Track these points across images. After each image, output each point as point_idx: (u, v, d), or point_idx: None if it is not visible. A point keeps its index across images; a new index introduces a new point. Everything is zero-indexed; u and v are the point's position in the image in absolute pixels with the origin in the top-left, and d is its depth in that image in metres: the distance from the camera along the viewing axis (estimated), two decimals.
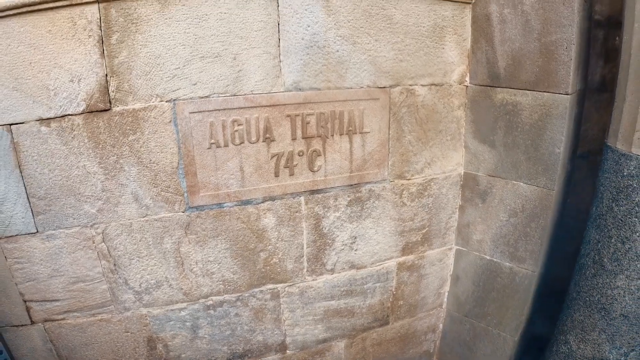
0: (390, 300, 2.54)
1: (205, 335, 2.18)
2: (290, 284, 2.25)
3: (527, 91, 2.11)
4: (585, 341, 2.21)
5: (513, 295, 2.43)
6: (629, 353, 2.10)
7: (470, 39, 2.21)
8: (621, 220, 1.91)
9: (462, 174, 2.42)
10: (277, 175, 2.00)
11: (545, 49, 1.99)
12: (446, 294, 2.70)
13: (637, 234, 1.86)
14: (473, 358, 2.77)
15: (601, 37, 2.30)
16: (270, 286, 2.22)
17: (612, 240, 1.97)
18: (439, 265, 2.58)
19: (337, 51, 1.91)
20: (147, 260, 1.94)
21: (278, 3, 1.77)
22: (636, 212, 1.84)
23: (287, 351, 2.42)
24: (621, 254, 1.94)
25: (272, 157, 1.96)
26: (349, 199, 2.18)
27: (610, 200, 1.96)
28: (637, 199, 1.83)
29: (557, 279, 2.41)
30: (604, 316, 2.09)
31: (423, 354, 2.90)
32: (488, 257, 2.45)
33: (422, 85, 2.17)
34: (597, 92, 2.38)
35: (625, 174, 1.86)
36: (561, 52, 1.96)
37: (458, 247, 2.55)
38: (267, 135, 1.91)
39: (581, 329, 2.21)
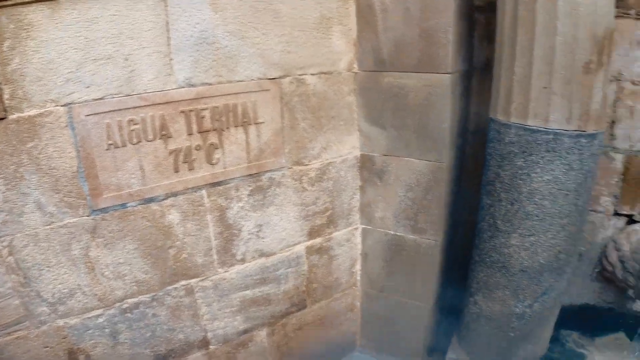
0: (305, 284, 2.86)
1: (126, 340, 2.33)
2: (203, 278, 2.48)
3: (411, 74, 2.51)
4: (492, 299, 2.62)
5: (420, 266, 2.85)
6: (533, 304, 2.53)
7: (356, 29, 2.59)
8: (508, 184, 2.33)
9: (359, 156, 2.80)
10: (177, 171, 2.22)
11: (425, 34, 2.40)
12: (359, 272, 3.07)
13: (523, 194, 2.29)
14: (393, 331, 3.18)
15: (483, 20, 2.74)
16: (184, 282, 2.42)
17: (503, 203, 2.39)
18: (347, 246, 2.94)
19: (226, 46, 2.19)
20: (57, 269, 2.05)
21: (166, 3, 1.98)
22: (520, 175, 2.27)
23: (210, 346, 2.64)
24: (512, 215, 2.36)
25: (171, 153, 2.18)
26: (250, 188, 2.46)
27: (497, 167, 2.38)
28: (518, 163, 2.26)
29: (462, 245, 2.82)
30: (504, 274, 2.51)
31: (345, 334, 3.27)
32: (392, 232, 2.85)
33: (311, 74, 2.50)
34: (483, 72, 2.82)
35: (506, 141, 2.28)
36: (440, 35, 2.37)
37: (363, 226, 2.93)
38: (164, 132, 2.13)
39: (487, 289, 2.63)
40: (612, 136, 2.88)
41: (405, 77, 2.53)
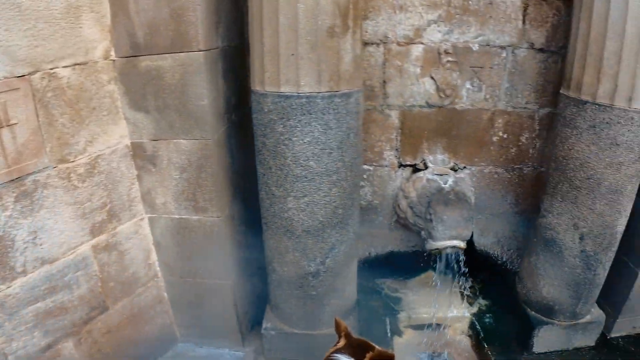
0: (99, 284, 2.93)
1: None
2: None
3: (166, 55, 2.70)
4: (286, 263, 2.96)
5: (211, 245, 3.11)
6: (325, 261, 2.90)
7: (110, 14, 2.68)
8: (274, 151, 2.63)
9: (129, 144, 2.94)
10: None
11: (175, 14, 2.57)
12: (156, 263, 3.24)
13: (289, 159, 2.61)
14: (206, 315, 3.42)
15: None
16: None
17: (273, 170, 2.69)
18: (137, 238, 3.09)
19: None
20: None
21: None
22: (282, 141, 2.57)
23: None
24: (283, 180, 2.68)
25: None
26: (14, 195, 2.43)
27: (262, 136, 2.68)
28: (279, 130, 2.56)
29: (256, 217, 3.08)
30: (290, 237, 2.84)
31: (162, 327, 3.42)
32: (177, 216, 3.06)
33: (64, 67, 2.55)
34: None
35: (266, 110, 2.56)
36: (189, 14, 2.56)
37: (149, 215, 3.09)
38: None
39: (279, 254, 2.95)
40: (385, 95, 3.42)
41: (161, 59, 2.70)
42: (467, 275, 3.87)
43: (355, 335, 1.87)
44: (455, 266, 3.34)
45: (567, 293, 3.24)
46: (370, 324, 3.54)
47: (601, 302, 3.62)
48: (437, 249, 3.20)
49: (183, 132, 2.83)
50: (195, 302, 3.33)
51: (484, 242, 3.91)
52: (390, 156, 3.57)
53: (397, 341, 3.59)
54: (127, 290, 3.12)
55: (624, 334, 3.70)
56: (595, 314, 3.48)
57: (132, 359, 3.23)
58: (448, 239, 3.17)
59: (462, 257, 3.31)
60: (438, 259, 3.30)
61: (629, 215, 3.02)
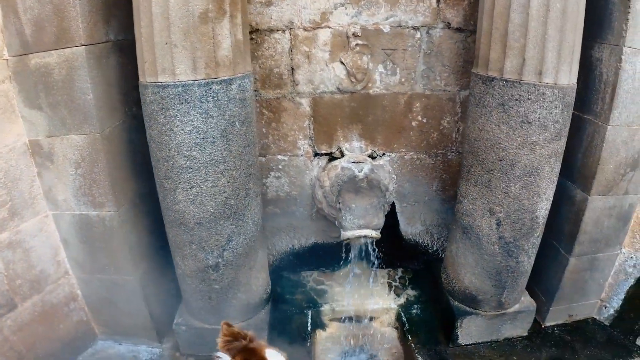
0: (6, 282, 2.99)
1: None
2: None
3: (52, 51, 2.73)
4: (186, 257, 2.97)
5: (113, 240, 3.13)
6: (222, 254, 2.90)
7: (1, 14, 2.73)
8: (159, 142, 2.65)
9: (27, 142, 2.99)
10: None
11: (58, 10, 2.59)
12: (66, 260, 3.29)
13: (173, 149, 2.61)
14: (119, 311, 3.43)
15: None
16: None
17: (161, 162, 2.71)
18: (42, 235, 3.14)
19: None
20: None
21: None
22: (165, 131, 2.58)
23: None
24: (170, 172, 2.69)
25: None
26: None
27: (148, 128, 2.69)
28: (161, 120, 2.57)
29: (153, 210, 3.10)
30: (185, 230, 2.86)
31: (79, 325, 3.45)
32: (78, 212, 3.10)
33: None
34: None
35: (148, 101, 2.58)
36: (70, 9, 2.58)
37: (53, 212, 3.15)
38: None
39: (178, 247, 2.99)
40: (295, 82, 3.40)
41: (48, 55, 2.74)
42: (398, 265, 3.83)
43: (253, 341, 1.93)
44: (372, 256, 3.28)
45: (489, 282, 3.18)
46: (291, 318, 3.52)
47: (535, 289, 3.52)
48: (348, 239, 3.15)
49: (74, 127, 2.87)
50: (108, 299, 3.38)
51: (411, 231, 3.86)
52: (304, 145, 3.54)
53: (321, 335, 3.58)
54: (37, 287, 3.17)
55: (559, 322, 3.63)
56: (525, 302, 3.41)
57: (50, 357, 3.27)
58: (358, 229, 3.13)
59: (374, 247, 3.25)
60: (352, 250, 3.25)
61: (551, 198, 2.93)
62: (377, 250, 3.33)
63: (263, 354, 1.85)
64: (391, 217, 3.75)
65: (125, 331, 3.50)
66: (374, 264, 3.42)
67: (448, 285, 3.45)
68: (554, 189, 2.92)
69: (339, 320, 3.64)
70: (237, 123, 2.65)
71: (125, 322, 3.46)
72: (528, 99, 2.57)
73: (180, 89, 2.43)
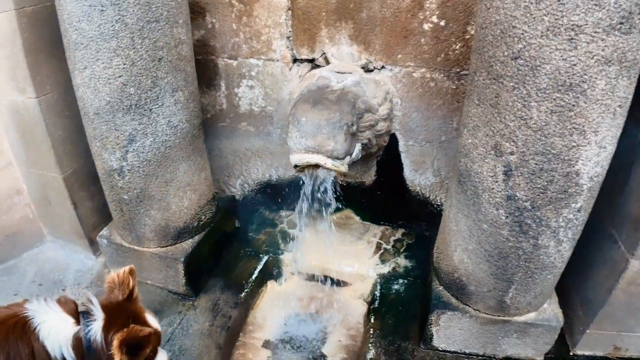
0: None
1: None
2: None
3: None
4: (95, 155, 2.46)
5: (35, 129, 2.74)
6: (125, 156, 2.42)
7: None
8: (60, 16, 2.17)
9: None
10: None
11: None
12: (10, 150, 2.95)
13: (65, 21, 2.14)
14: (55, 213, 3.08)
15: None
16: None
17: (61, 38, 2.23)
18: None
19: None
20: None
21: None
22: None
23: None
24: (66, 48, 2.24)
25: None
26: None
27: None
28: None
29: None
30: (87, 121, 2.40)
31: (23, 221, 3.16)
32: (9, 99, 2.71)
33: None
34: None
35: None
36: None
37: None
38: None
39: (89, 142, 2.48)
40: None
41: None
42: (399, 224, 2.90)
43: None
44: (330, 199, 2.43)
45: (487, 267, 2.13)
46: (237, 260, 2.84)
47: (570, 296, 2.38)
48: (296, 165, 2.31)
49: None
50: (47, 198, 3.04)
51: (420, 182, 2.84)
52: (281, 47, 2.74)
53: (270, 288, 2.85)
54: None
55: (598, 353, 2.41)
56: (548, 312, 2.27)
57: None
58: (304, 151, 2.25)
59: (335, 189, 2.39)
60: (304, 186, 2.43)
61: (610, 147, 1.70)
62: (338, 193, 2.45)
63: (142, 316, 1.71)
64: (393, 157, 2.84)
65: (67, 237, 3.17)
66: (321, 207, 2.52)
67: (436, 261, 2.45)
68: (617, 130, 1.69)
69: (303, 276, 2.85)
70: None
71: (63, 227, 3.12)
72: None
73: None
